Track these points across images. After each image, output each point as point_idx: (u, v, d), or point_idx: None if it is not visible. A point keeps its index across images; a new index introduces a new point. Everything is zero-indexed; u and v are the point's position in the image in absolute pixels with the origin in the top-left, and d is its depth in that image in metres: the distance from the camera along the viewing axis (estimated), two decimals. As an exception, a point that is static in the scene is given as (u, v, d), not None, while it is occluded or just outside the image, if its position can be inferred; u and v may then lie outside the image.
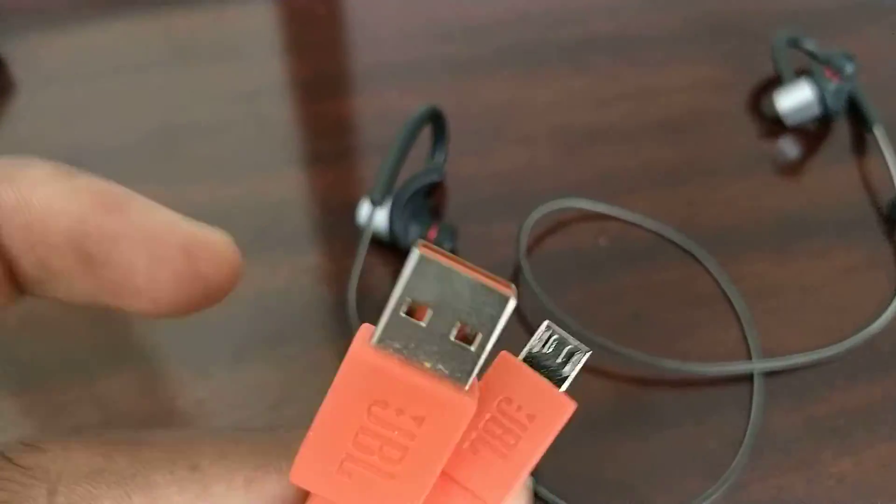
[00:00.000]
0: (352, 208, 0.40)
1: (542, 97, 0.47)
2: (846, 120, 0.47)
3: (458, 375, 0.13)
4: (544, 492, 0.32)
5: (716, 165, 0.44)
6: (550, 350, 0.14)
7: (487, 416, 0.14)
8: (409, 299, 0.12)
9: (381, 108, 0.47)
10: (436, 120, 0.41)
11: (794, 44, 0.48)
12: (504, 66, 0.49)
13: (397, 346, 0.13)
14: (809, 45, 0.48)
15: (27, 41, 0.50)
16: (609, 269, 0.40)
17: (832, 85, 0.43)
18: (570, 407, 0.14)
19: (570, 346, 0.14)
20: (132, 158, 0.44)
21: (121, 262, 0.15)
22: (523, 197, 0.42)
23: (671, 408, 0.35)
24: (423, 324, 0.13)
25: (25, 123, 0.46)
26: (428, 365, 0.13)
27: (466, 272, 0.12)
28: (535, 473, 0.33)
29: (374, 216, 0.38)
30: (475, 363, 0.13)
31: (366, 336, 0.13)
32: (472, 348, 0.13)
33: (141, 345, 0.37)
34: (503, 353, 0.14)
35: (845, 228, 0.42)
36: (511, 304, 0.12)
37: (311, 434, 0.13)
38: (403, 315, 0.12)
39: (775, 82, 0.47)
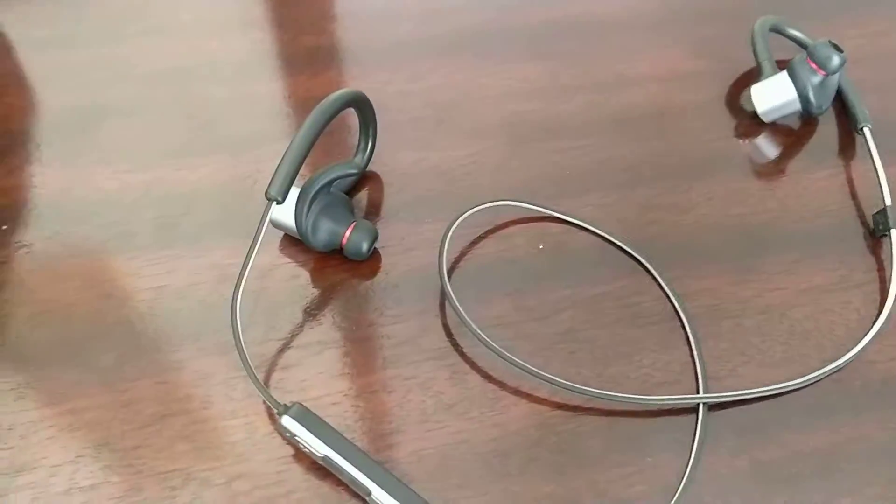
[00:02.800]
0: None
1: (497, 85, 0.43)
2: (833, 117, 0.41)
3: None
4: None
5: (679, 166, 0.39)
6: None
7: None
8: None
9: (318, 91, 0.42)
10: (360, 107, 0.36)
11: (778, 30, 0.43)
12: (459, 49, 0.44)
13: None
14: (794, 32, 0.43)
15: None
16: (546, 279, 0.35)
17: (816, 78, 0.38)
18: None
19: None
20: (44, 137, 0.41)
21: None
22: (461, 195, 0.38)
23: (598, 443, 0.30)
24: None
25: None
26: None
27: None
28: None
29: (275, 213, 0.34)
30: None
31: None
32: None
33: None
34: None
35: (820, 241, 0.37)
36: None
37: None
38: None
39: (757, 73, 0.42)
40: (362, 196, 0.38)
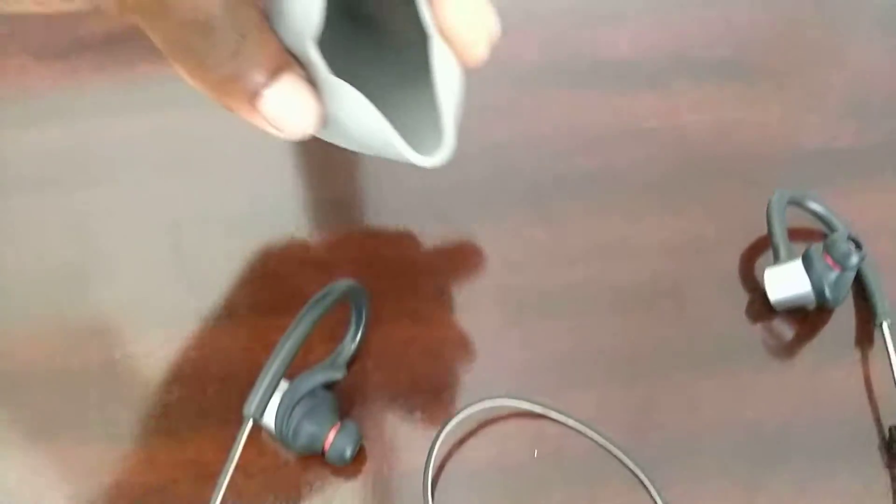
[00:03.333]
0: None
1: (496, 249, 0.41)
2: (852, 302, 0.39)
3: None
4: None
5: (687, 356, 0.37)
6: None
7: None
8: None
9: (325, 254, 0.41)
10: (354, 299, 0.35)
11: (797, 203, 0.41)
12: (457, 203, 0.42)
13: None
14: (814, 205, 0.41)
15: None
16: (539, 492, 0.33)
17: (832, 274, 0.36)
18: None
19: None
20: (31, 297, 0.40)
21: None
22: (453, 383, 0.36)
23: None
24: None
25: None
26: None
27: None
28: None
29: (262, 417, 0.32)
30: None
31: None
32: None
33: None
34: None
35: (834, 455, 0.35)
36: None
37: None
38: None
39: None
40: (351, 380, 0.37)
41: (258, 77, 0.25)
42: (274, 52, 0.26)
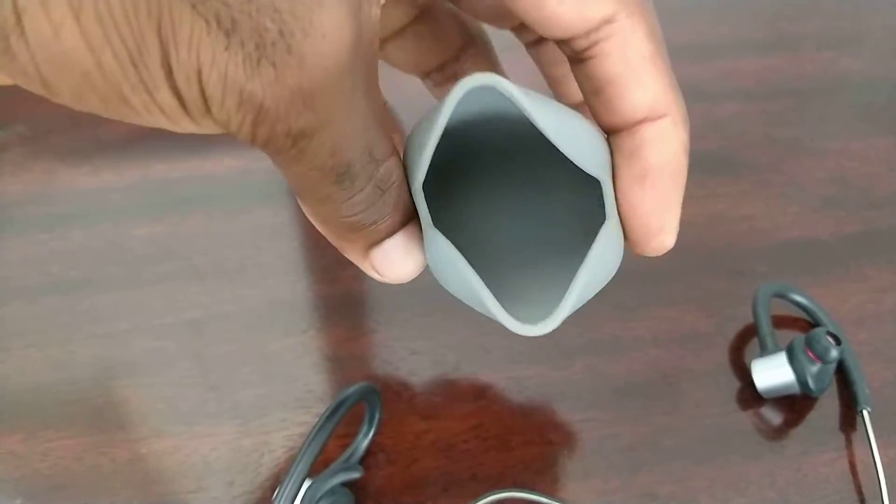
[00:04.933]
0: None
1: (501, 343, 0.43)
2: (836, 391, 0.42)
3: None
4: None
5: (680, 446, 0.40)
6: None
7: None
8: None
9: (328, 349, 0.43)
10: (368, 399, 0.37)
11: (782, 296, 0.44)
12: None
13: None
14: (798, 297, 0.44)
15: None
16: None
17: (814, 367, 0.38)
18: None
19: None
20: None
21: None
22: (462, 476, 0.39)
23: None
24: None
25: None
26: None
27: None
28: None
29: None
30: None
31: None
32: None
33: None
34: None
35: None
36: None
37: None
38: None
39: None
40: (366, 476, 0.39)
41: (383, 229, 0.23)
42: (405, 208, 0.23)
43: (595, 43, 0.20)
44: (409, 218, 0.24)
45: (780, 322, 0.44)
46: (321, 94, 0.17)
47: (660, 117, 0.21)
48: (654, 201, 0.22)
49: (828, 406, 0.41)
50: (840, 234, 0.49)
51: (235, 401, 0.41)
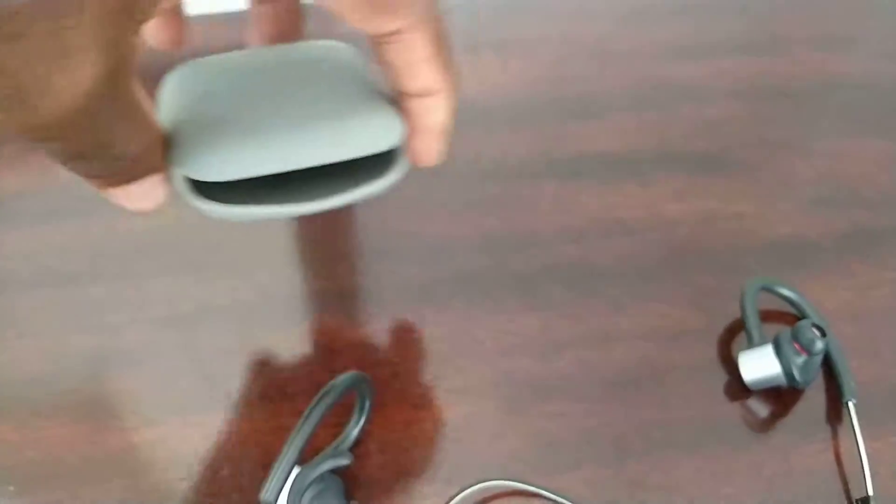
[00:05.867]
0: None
1: (492, 335, 0.44)
2: (822, 383, 0.42)
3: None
4: None
5: (668, 437, 0.40)
6: None
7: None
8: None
9: (317, 337, 0.44)
10: (359, 388, 0.38)
11: (769, 289, 0.44)
12: (454, 293, 0.45)
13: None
14: (785, 291, 0.44)
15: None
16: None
17: (800, 359, 0.39)
18: None
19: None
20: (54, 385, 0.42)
21: None
22: (451, 465, 0.39)
23: None
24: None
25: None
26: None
27: None
28: None
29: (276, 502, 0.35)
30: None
31: None
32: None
33: None
34: None
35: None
36: None
37: None
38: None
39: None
40: (356, 465, 0.39)
41: (118, 182, 0.28)
42: (148, 171, 0.28)
43: (387, 43, 0.27)
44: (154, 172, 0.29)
45: (767, 316, 0.45)
46: (57, 127, 0.21)
47: (430, 95, 0.29)
48: (422, 146, 0.32)
49: (814, 399, 0.42)
50: (829, 232, 0.50)
51: (228, 391, 0.42)
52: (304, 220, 0.50)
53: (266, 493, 0.33)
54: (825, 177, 0.53)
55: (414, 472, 0.39)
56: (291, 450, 0.33)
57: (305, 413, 0.34)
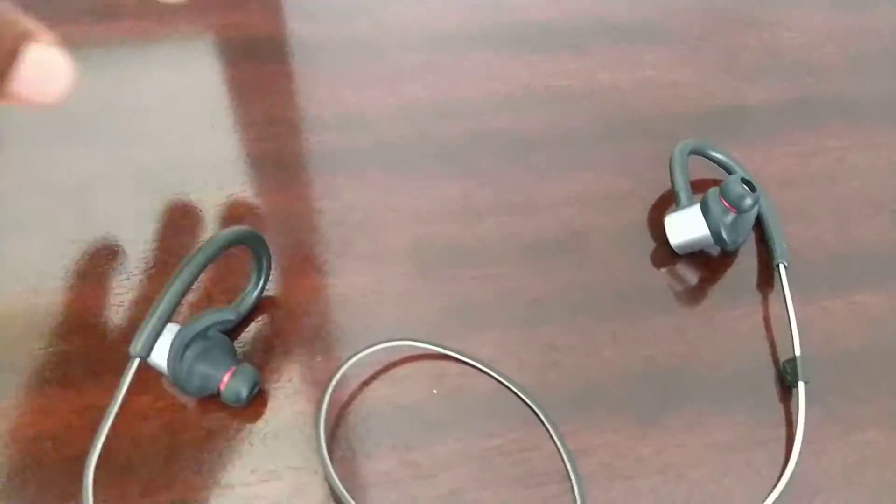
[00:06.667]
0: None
1: (409, 203, 0.41)
2: (754, 246, 0.40)
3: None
4: None
5: (587, 301, 0.37)
6: None
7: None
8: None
9: (226, 211, 0.41)
10: (251, 245, 0.35)
11: (700, 153, 0.41)
12: (374, 162, 0.42)
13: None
14: (717, 154, 0.42)
15: None
16: (437, 429, 0.33)
17: (729, 217, 0.36)
18: None
19: None
20: None
21: None
22: (359, 328, 0.37)
23: None
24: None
25: None
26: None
27: None
28: None
29: (152, 357, 0.32)
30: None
31: None
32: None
33: None
34: None
35: (728, 391, 0.35)
36: None
37: None
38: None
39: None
40: (254, 328, 0.36)
41: None
42: None
43: None
44: None
45: (701, 186, 0.42)
46: None
47: None
48: None
49: (745, 264, 0.40)
50: (770, 101, 0.47)
51: (121, 255, 0.39)
52: (213, 88, 0.47)
53: (135, 346, 0.30)
54: (769, 46, 0.50)
55: (316, 338, 0.36)
56: (164, 303, 0.31)
57: (181, 264, 0.31)
